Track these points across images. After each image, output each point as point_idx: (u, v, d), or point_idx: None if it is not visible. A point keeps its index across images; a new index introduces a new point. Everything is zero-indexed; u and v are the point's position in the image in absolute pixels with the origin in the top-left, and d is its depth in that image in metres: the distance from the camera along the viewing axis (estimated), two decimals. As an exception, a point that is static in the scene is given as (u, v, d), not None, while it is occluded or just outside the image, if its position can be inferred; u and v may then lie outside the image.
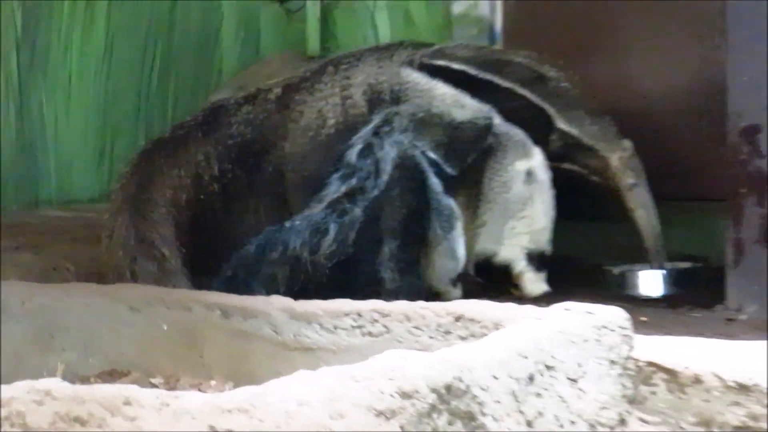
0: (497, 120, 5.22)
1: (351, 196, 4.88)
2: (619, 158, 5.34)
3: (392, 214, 4.95)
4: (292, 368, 2.27)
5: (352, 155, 4.97)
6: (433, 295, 5.01)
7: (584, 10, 6.28)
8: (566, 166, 5.43)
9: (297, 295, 3.56)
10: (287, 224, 4.86)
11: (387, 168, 4.93)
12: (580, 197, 5.48)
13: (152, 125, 7.47)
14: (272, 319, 3.38)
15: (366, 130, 5.03)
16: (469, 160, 5.22)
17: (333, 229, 4.81)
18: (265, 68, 7.43)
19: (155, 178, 5.22)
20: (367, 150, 4.97)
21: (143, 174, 5.24)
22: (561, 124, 5.35)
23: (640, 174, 5.35)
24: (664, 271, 5.40)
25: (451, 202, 5.11)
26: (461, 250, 5.15)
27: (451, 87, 5.24)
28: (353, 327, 3.23)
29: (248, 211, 5.31)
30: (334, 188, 4.92)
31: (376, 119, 5.07)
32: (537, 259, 5.37)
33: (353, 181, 4.90)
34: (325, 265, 4.78)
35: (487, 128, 5.21)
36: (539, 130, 5.34)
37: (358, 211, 4.85)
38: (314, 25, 7.65)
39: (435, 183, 5.05)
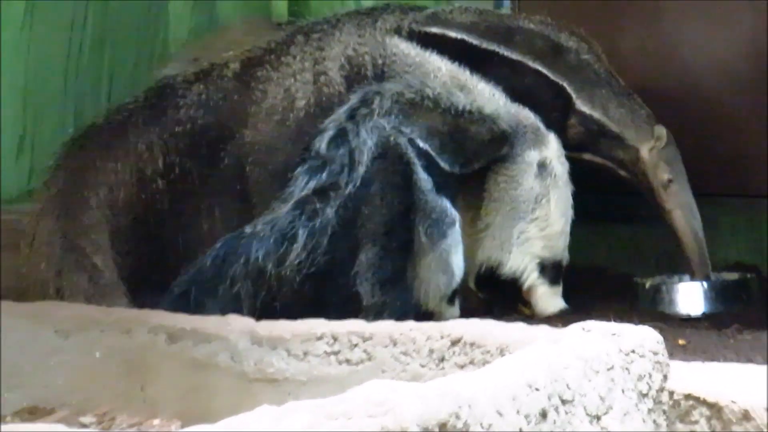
0: (503, 100, 5.24)
1: (322, 194, 4.88)
2: (651, 148, 5.35)
3: (371, 216, 4.95)
4: (254, 403, 2.27)
5: (321, 144, 4.97)
6: (426, 313, 5.01)
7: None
8: (588, 156, 5.45)
9: (260, 315, 3.57)
10: (248, 230, 4.86)
11: (364, 159, 4.93)
12: (605, 195, 5.49)
13: (83, 108, 7.43)
14: (230, 344, 3.39)
15: (339, 113, 5.04)
16: (477, 164, 5.21)
17: (302, 234, 4.81)
18: (221, 38, 7.42)
19: (87, 173, 5.23)
20: (340, 137, 4.97)
21: (72, 168, 5.25)
22: (581, 105, 5.37)
23: (677, 167, 5.37)
24: (707, 284, 5.40)
25: (444, 204, 5.04)
26: (456, 262, 5.10)
27: (447, 60, 5.25)
28: (327, 353, 3.24)
29: (201, 214, 5.31)
30: (301, 184, 4.91)
31: (353, 99, 5.08)
32: (552, 270, 5.38)
33: (323, 176, 4.91)
34: (294, 278, 4.78)
35: (505, 135, 5.20)
36: (555, 112, 5.36)
37: (330, 212, 4.86)
38: (281, -15, 7.65)
39: (423, 179, 5.02)
